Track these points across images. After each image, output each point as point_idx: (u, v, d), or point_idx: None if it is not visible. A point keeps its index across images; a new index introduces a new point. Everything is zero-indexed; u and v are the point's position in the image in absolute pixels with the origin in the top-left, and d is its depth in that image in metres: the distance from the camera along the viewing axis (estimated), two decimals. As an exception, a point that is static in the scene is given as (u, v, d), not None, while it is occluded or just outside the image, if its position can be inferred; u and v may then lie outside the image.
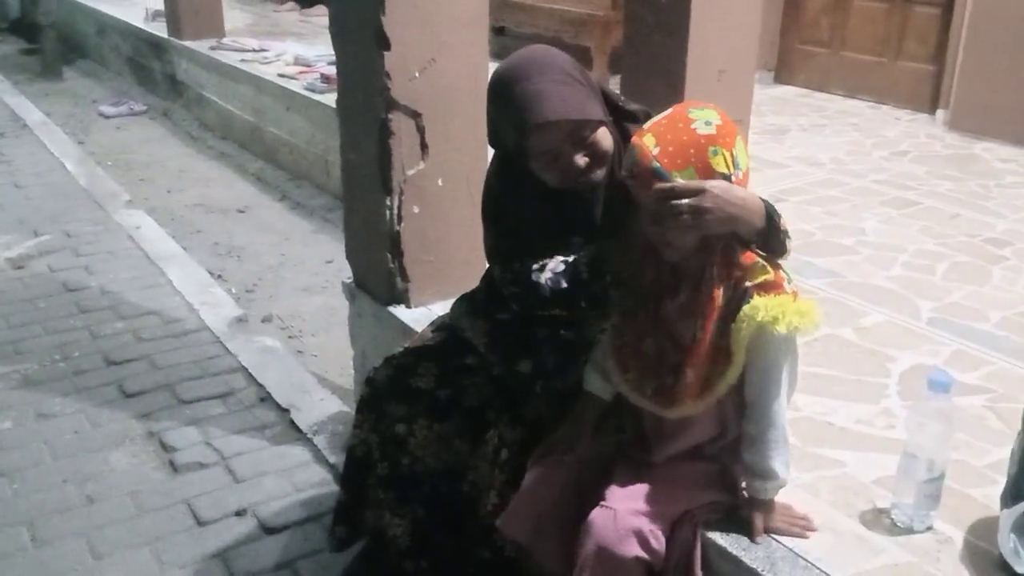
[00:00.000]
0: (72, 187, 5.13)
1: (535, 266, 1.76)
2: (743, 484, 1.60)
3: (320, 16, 7.69)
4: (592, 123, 1.68)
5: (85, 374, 3.10)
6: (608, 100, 1.76)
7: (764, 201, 1.55)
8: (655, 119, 1.51)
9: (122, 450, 2.67)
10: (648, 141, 1.46)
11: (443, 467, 1.97)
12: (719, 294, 1.48)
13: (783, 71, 6.27)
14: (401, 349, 2.06)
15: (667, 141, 1.45)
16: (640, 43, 2.48)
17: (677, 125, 1.46)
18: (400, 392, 1.99)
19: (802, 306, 1.46)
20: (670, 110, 1.51)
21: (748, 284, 1.47)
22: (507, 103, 1.67)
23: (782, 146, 4.73)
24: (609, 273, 1.66)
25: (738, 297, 1.47)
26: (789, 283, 1.51)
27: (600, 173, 1.72)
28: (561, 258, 1.74)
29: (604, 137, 1.70)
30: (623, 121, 1.77)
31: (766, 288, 1.47)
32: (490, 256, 1.91)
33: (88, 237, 4.36)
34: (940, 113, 5.31)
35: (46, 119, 6.61)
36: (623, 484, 1.57)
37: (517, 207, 1.81)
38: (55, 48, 8.36)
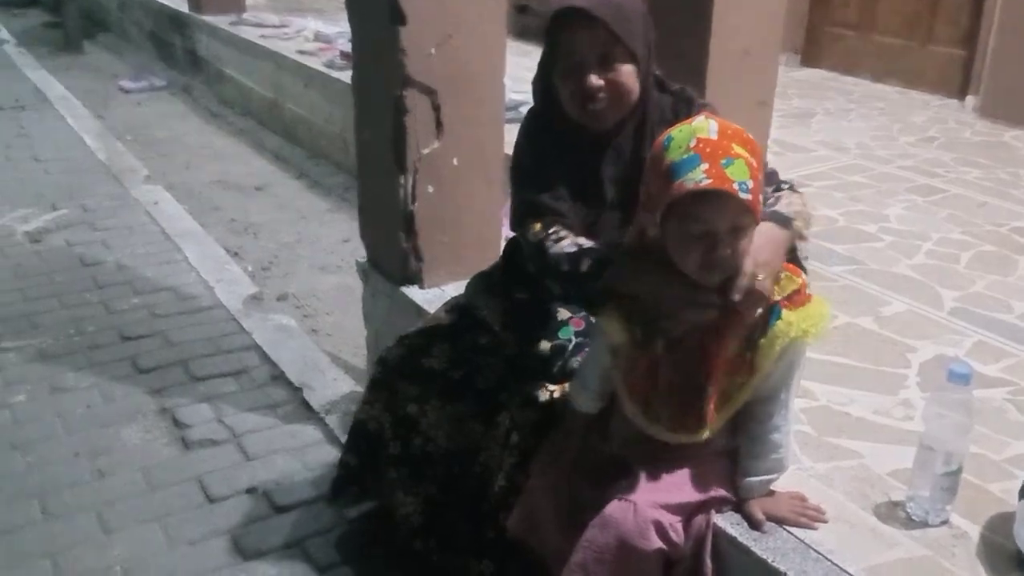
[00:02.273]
0: (91, 162, 5.13)
1: (554, 234, 1.69)
2: (743, 477, 1.57)
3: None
4: (623, 47, 1.63)
5: (100, 349, 3.10)
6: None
7: (788, 225, 1.51)
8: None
9: (134, 425, 2.67)
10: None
11: (455, 447, 1.96)
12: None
13: (810, 53, 6.18)
14: (414, 329, 2.04)
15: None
16: (662, 22, 2.43)
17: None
18: (413, 372, 1.98)
19: (823, 311, 1.43)
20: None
21: (777, 297, 1.44)
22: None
23: (807, 130, 4.66)
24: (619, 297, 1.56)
25: (766, 310, 1.43)
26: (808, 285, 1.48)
27: (610, 111, 1.67)
28: (580, 240, 1.68)
29: (629, 76, 1.66)
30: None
31: (793, 299, 1.44)
32: (516, 221, 1.81)
33: (106, 212, 4.36)
34: (970, 99, 5.21)
35: (67, 93, 6.61)
36: (638, 477, 1.54)
37: (539, 159, 1.76)
38: (77, 22, 8.38)
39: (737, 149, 1.34)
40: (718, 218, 1.34)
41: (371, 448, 2.08)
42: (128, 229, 4.16)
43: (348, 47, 5.21)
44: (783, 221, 1.52)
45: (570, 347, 1.82)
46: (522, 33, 6.04)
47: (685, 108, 1.74)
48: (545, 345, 1.84)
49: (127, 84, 6.90)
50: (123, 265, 3.77)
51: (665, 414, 1.53)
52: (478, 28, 2.46)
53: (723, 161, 1.32)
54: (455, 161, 2.52)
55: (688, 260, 1.39)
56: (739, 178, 1.31)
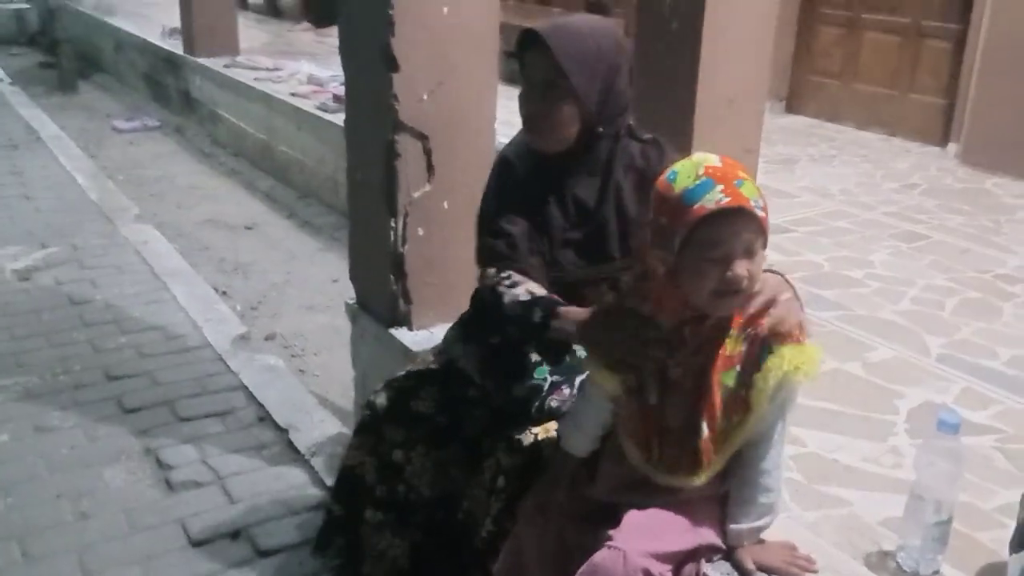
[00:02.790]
0: (82, 200, 5.14)
1: (508, 279, 1.74)
2: (732, 524, 1.56)
3: (335, 36, 7.73)
4: (566, 82, 1.69)
5: (85, 388, 3.08)
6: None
7: None
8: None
9: (118, 466, 2.64)
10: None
11: (438, 495, 1.94)
12: (728, 345, 1.45)
13: (794, 101, 6.27)
14: (403, 372, 2.04)
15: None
16: (650, 68, 2.47)
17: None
18: (400, 416, 1.97)
19: (815, 352, 1.44)
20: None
21: (767, 334, 1.44)
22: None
23: (792, 176, 4.72)
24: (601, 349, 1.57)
25: (756, 346, 1.44)
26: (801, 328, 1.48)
27: (544, 142, 1.77)
28: (532, 287, 1.72)
29: (563, 111, 1.72)
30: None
31: (782, 337, 1.45)
32: (477, 264, 1.87)
33: (95, 251, 4.36)
34: (952, 147, 5.29)
35: (60, 132, 6.64)
36: (626, 523, 1.53)
37: (500, 195, 1.85)
38: (72, 62, 8.44)
39: (742, 174, 1.37)
40: (736, 238, 1.36)
41: (356, 493, 2.05)
42: (117, 268, 4.15)
43: (340, 90, 5.29)
44: None
45: (546, 386, 1.82)
46: (513, 78, 6.12)
47: (656, 155, 1.79)
48: (520, 389, 1.84)
49: (120, 124, 6.94)
50: (111, 304, 3.76)
51: (664, 456, 1.52)
52: (469, 74, 2.49)
53: (735, 182, 1.36)
54: (445, 204, 2.53)
55: (704, 287, 1.39)
56: (752, 196, 1.35)
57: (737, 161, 1.42)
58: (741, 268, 1.36)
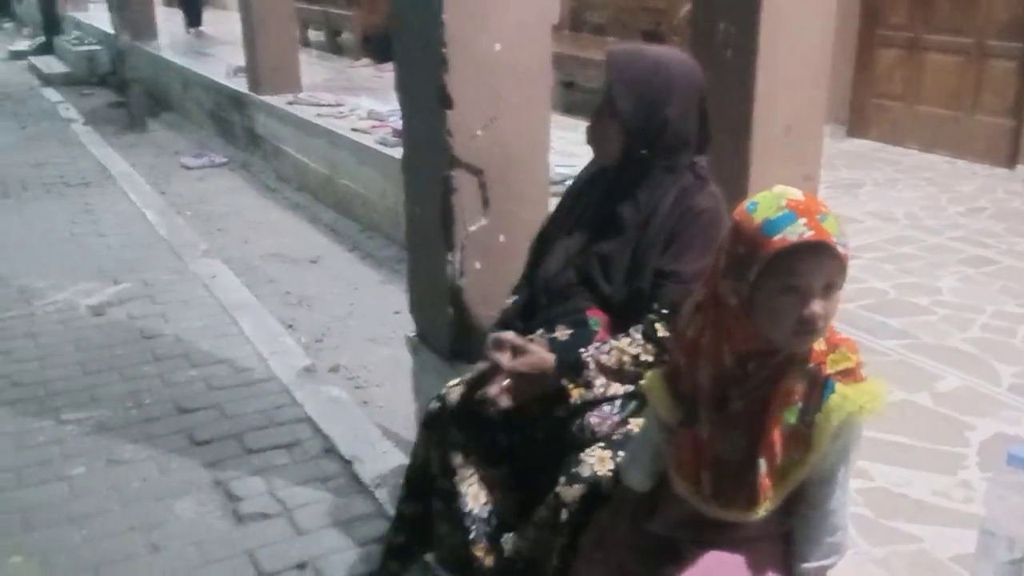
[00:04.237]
0: (152, 236, 5.31)
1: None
2: (799, 563, 1.53)
3: (394, 72, 7.89)
4: (612, 101, 1.84)
5: (156, 421, 3.17)
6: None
7: None
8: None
9: (188, 498, 2.71)
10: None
11: (482, 513, 1.96)
12: (791, 381, 1.43)
13: (856, 125, 6.18)
14: (477, 372, 2.03)
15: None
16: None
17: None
18: (466, 419, 1.98)
19: (879, 389, 1.41)
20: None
21: (829, 372, 1.43)
22: None
23: (855, 200, 4.65)
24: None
25: (819, 384, 1.42)
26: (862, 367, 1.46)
27: (597, 154, 1.95)
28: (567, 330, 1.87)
29: (607, 128, 1.88)
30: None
31: (846, 375, 1.43)
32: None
33: (166, 285, 4.49)
34: (1020, 168, 5.15)
35: (131, 170, 6.89)
36: (688, 561, 1.52)
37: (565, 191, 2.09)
38: (141, 101, 8.75)
39: (825, 208, 1.35)
40: (816, 273, 1.33)
41: (424, 485, 2.06)
42: (186, 302, 4.27)
43: (400, 125, 5.40)
44: None
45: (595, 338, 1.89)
46: (569, 108, 6.16)
47: (694, 182, 1.87)
48: (561, 409, 1.86)
49: (188, 161, 7.15)
50: (181, 338, 3.87)
51: (716, 491, 1.51)
52: (523, 109, 2.53)
53: (819, 216, 1.33)
54: (502, 238, 2.56)
55: (780, 324, 1.36)
56: (836, 233, 1.33)
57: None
58: (818, 307, 1.33)
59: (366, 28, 8.83)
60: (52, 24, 13.60)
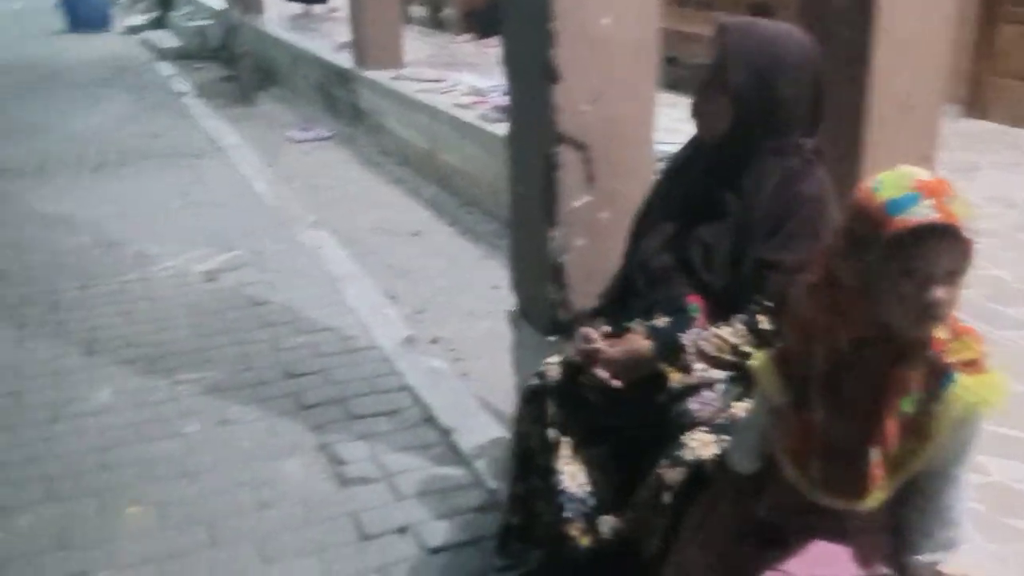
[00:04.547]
0: (261, 207, 5.49)
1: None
2: (911, 556, 1.49)
3: (496, 47, 7.91)
4: (723, 75, 1.79)
5: (265, 385, 3.29)
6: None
7: None
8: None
9: (295, 460, 2.82)
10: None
11: (579, 492, 1.97)
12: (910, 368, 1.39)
13: (975, 105, 5.89)
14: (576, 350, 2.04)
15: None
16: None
17: None
18: (566, 396, 1.99)
19: (1002, 382, 1.36)
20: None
21: (951, 361, 1.38)
22: None
23: (973, 184, 4.45)
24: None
25: (939, 373, 1.38)
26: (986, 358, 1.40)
27: (702, 130, 1.89)
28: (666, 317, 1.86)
29: (718, 107, 1.82)
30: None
31: (968, 366, 1.37)
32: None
33: (274, 255, 4.64)
34: None
35: (240, 142, 7.11)
36: (793, 547, 1.50)
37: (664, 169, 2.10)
38: (251, 76, 9.01)
39: (953, 191, 1.30)
40: (941, 257, 1.28)
41: (527, 464, 2.09)
42: (294, 271, 4.41)
43: (501, 101, 5.42)
44: None
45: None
46: (673, 84, 6.06)
47: (801, 166, 1.81)
48: (661, 395, 1.86)
49: (295, 134, 7.34)
50: (289, 306, 4.00)
51: (826, 477, 1.48)
52: (630, 84, 2.50)
53: (946, 199, 1.28)
54: (606, 215, 2.55)
55: (899, 307, 1.31)
56: (963, 217, 1.28)
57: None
58: (940, 292, 1.28)
59: (468, 4, 8.87)
60: (166, 0, 14.10)
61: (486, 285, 4.41)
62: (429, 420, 3.03)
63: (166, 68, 10.72)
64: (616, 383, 1.88)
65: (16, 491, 2.68)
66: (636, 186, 2.55)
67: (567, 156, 2.46)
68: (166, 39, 12.49)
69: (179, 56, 11.37)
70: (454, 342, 3.81)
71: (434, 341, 3.80)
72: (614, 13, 2.39)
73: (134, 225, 5.11)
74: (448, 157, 5.81)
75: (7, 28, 14.84)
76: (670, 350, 1.83)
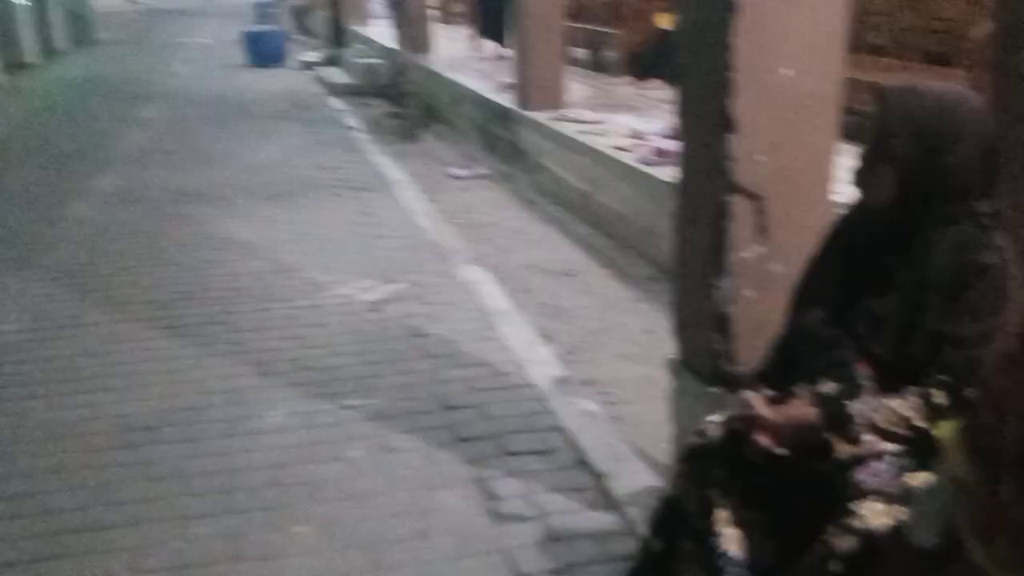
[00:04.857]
0: (422, 241, 5.69)
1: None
2: None
3: (655, 89, 7.94)
4: (886, 142, 1.75)
5: (424, 415, 3.40)
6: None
7: None
8: None
9: (451, 492, 2.89)
10: None
11: (738, 556, 1.93)
12: None
13: None
14: (740, 412, 2.02)
15: None
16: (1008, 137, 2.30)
17: None
18: (730, 456, 1.97)
19: None
20: None
21: None
22: None
23: None
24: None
25: None
26: None
27: (857, 187, 1.86)
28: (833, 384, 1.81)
29: (881, 175, 1.78)
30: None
31: None
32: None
33: (434, 288, 4.80)
34: None
35: (405, 177, 7.41)
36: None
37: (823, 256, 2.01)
38: (416, 114, 9.38)
39: None
40: None
41: (676, 523, 2.07)
42: (452, 305, 4.54)
43: (661, 144, 5.43)
44: None
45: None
46: (849, 135, 5.90)
47: (976, 233, 1.73)
48: (825, 464, 1.80)
49: (456, 171, 7.58)
50: (447, 339, 4.12)
51: (1012, 556, 1.41)
52: (808, 136, 2.47)
53: None
54: (776, 267, 2.52)
55: None
56: None
57: None
58: None
59: (629, 46, 8.94)
60: (339, 37, 14.88)
61: (639, 329, 4.40)
62: (582, 463, 3.05)
63: (337, 103, 11.30)
64: (779, 451, 1.85)
65: (195, 501, 2.88)
66: (809, 240, 2.49)
67: (740, 206, 2.45)
68: (338, 75, 13.18)
69: (350, 92, 11.97)
70: (606, 385, 3.81)
71: (587, 383, 3.82)
72: (796, 65, 2.38)
73: (306, 253, 5.41)
74: (604, 198, 5.86)
75: (197, 61, 16.07)
76: (838, 420, 1.79)
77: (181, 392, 3.60)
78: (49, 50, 16.68)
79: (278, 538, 2.67)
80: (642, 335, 4.33)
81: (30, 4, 15.39)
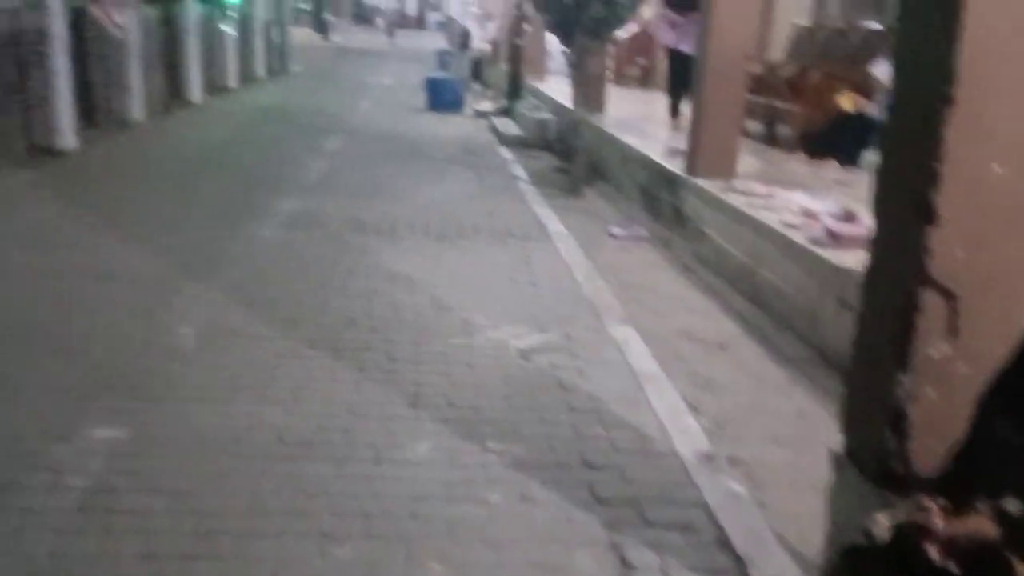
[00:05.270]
0: (577, 294, 5.71)
1: None
2: None
3: (829, 170, 7.74)
4: None
5: (565, 469, 3.38)
6: None
7: None
8: None
9: (586, 552, 2.85)
10: None
11: None
12: None
13: None
14: (904, 520, 1.91)
15: None
16: None
17: None
18: (894, 561, 1.86)
19: None
20: None
21: None
22: None
23: None
24: None
25: None
26: None
27: None
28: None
29: None
30: None
31: None
32: None
33: (584, 342, 4.80)
34: None
35: (565, 231, 7.48)
36: None
37: None
38: (582, 170, 9.49)
39: None
40: None
41: None
42: (601, 362, 4.52)
43: (834, 225, 5.27)
44: None
45: None
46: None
47: None
48: None
49: (615, 230, 7.60)
50: (593, 395, 4.09)
51: None
52: (1014, 237, 2.33)
53: None
54: (964, 369, 2.37)
55: None
56: None
57: None
58: None
59: (805, 124, 8.76)
60: (515, 90, 15.32)
61: (792, 411, 4.24)
62: (723, 544, 2.94)
63: (507, 153, 11.60)
64: (951, 567, 1.74)
65: (338, 521, 2.95)
66: (1003, 344, 2.36)
67: (931, 301, 2.33)
68: (509, 126, 13.54)
69: (519, 143, 12.28)
70: (754, 466, 3.68)
71: (733, 461, 3.70)
72: (1010, 163, 2.26)
73: (464, 293, 5.53)
74: (767, 273, 5.71)
75: (380, 100, 16.92)
76: (1023, 541, 1.66)
77: (337, 413, 3.73)
78: (248, 77, 17.99)
79: (414, 571, 2.70)
80: (795, 418, 4.17)
81: (236, 35, 16.66)
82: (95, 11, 10.70)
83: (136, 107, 11.73)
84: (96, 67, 10.91)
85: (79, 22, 10.33)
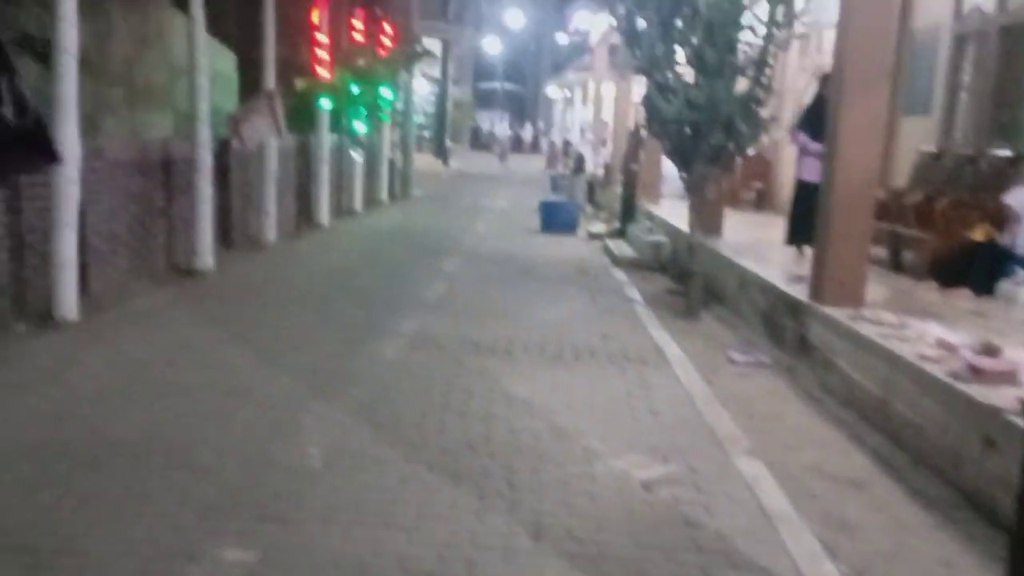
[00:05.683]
0: (698, 423, 5.57)
1: None
2: None
3: (961, 299, 7.44)
4: None
5: (695, 615, 3.22)
6: None
7: None
8: None
9: None
10: None
11: None
12: None
13: None
14: None
15: None
16: None
17: None
18: None
19: None
20: None
21: None
22: None
23: None
24: None
25: None
26: None
27: None
28: None
29: None
30: None
31: None
32: None
33: (709, 476, 4.64)
34: None
35: (682, 355, 7.38)
36: None
37: None
38: (698, 293, 9.40)
39: None
40: None
41: None
42: (729, 498, 4.35)
43: (975, 360, 5.01)
44: None
45: None
46: None
47: None
48: None
49: (735, 356, 7.44)
50: (722, 534, 3.93)
51: None
52: None
53: None
54: None
55: None
56: None
57: None
58: None
59: (935, 252, 8.49)
60: (629, 213, 15.49)
61: (936, 559, 3.96)
62: None
63: (620, 275, 11.65)
64: None
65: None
66: None
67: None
68: (623, 248, 13.64)
69: (633, 265, 12.32)
70: (900, 621, 3.43)
71: (877, 613, 3.46)
72: None
73: (582, 419, 5.47)
74: (902, 408, 5.45)
75: (495, 222, 17.38)
76: None
77: (459, 543, 3.69)
78: (372, 200, 18.83)
79: None
80: (940, 567, 3.88)
81: (362, 161, 17.55)
82: (231, 126, 11.35)
83: (270, 230, 12.40)
84: (235, 192, 11.64)
85: (222, 151, 11.09)
